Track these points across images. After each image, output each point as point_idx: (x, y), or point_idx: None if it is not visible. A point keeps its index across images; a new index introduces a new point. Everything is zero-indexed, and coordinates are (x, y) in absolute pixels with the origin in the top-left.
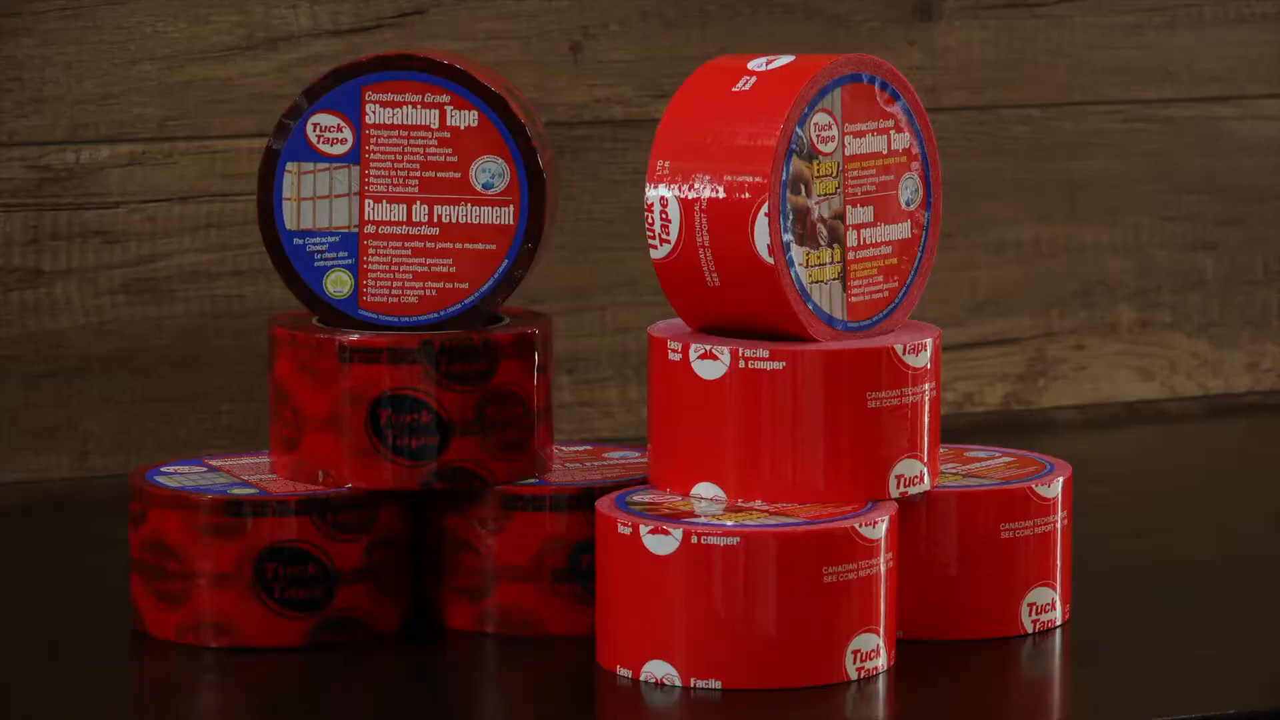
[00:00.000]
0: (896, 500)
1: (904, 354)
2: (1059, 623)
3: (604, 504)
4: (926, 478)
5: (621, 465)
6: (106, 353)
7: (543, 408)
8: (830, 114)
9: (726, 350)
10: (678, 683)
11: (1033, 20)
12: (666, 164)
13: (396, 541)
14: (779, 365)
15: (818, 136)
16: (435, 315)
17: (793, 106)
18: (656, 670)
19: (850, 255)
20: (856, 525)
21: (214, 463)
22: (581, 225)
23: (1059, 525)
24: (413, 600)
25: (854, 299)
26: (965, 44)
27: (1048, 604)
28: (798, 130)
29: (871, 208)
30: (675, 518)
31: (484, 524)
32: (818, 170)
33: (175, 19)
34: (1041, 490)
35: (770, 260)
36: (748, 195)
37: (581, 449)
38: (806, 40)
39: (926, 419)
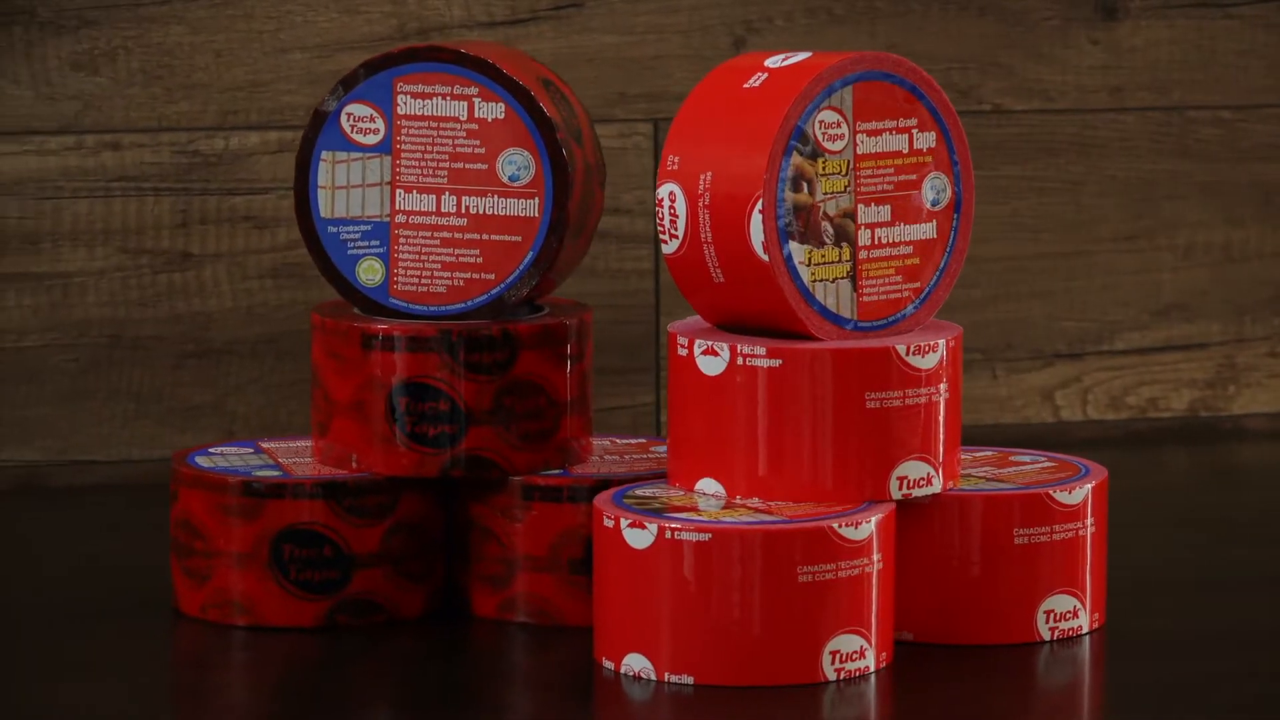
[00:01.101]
0: (898, 502)
1: (908, 355)
2: (1084, 631)
3: (601, 498)
4: (936, 480)
5: (658, 459)
6: (253, 335)
7: (573, 399)
8: (839, 112)
9: (726, 346)
10: (653, 676)
11: (1225, 20)
12: (676, 159)
13: (420, 527)
14: (775, 363)
15: (824, 134)
16: (462, 305)
17: (792, 104)
18: (635, 664)
19: (862, 255)
20: (835, 525)
21: (266, 445)
22: None
23: (1087, 532)
24: (442, 586)
25: (866, 298)
26: (1152, 43)
27: (1068, 611)
28: (800, 127)
29: (888, 207)
30: (665, 512)
31: (506, 513)
32: (823, 168)
33: (326, 8)
34: (1061, 496)
35: (765, 257)
36: (743, 192)
37: (634, 441)
38: (982, 37)
39: (941, 420)
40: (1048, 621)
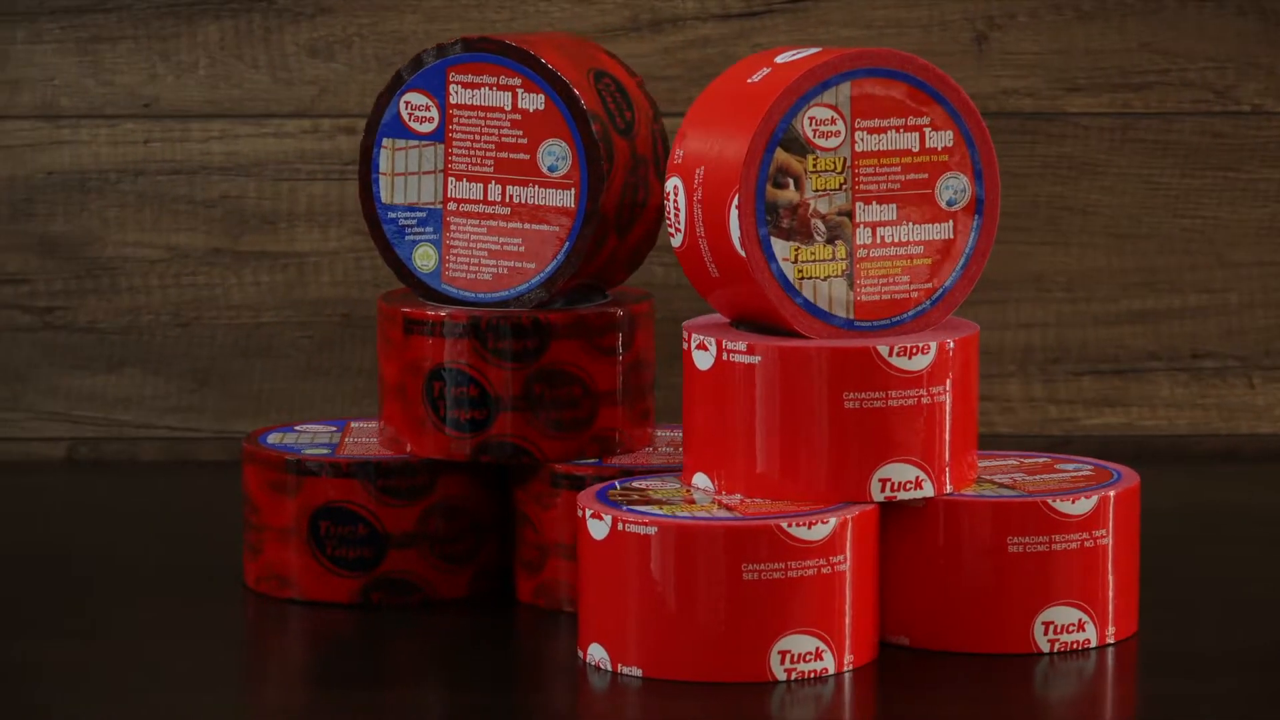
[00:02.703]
0: (882, 504)
1: (891, 356)
2: (1094, 645)
3: (591, 489)
4: (928, 484)
5: None
6: None
7: (619, 390)
8: (834, 109)
9: (713, 341)
10: (608, 667)
11: None
12: (681, 153)
13: (462, 510)
14: (755, 359)
15: (814, 131)
16: (506, 293)
17: (775, 100)
18: (595, 654)
19: (860, 253)
20: (785, 525)
21: (355, 424)
22: None
23: (1101, 543)
24: (491, 569)
25: (864, 298)
26: None
27: (1072, 624)
28: (784, 123)
29: (894, 206)
30: (630, 505)
31: (539, 500)
32: (814, 165)
33: None
34: (1062, 506)
35: (742, 253)
36: (725, 186)
37: None
38: (1240, 36)
39: (945, 424)
40: (1047, 633)
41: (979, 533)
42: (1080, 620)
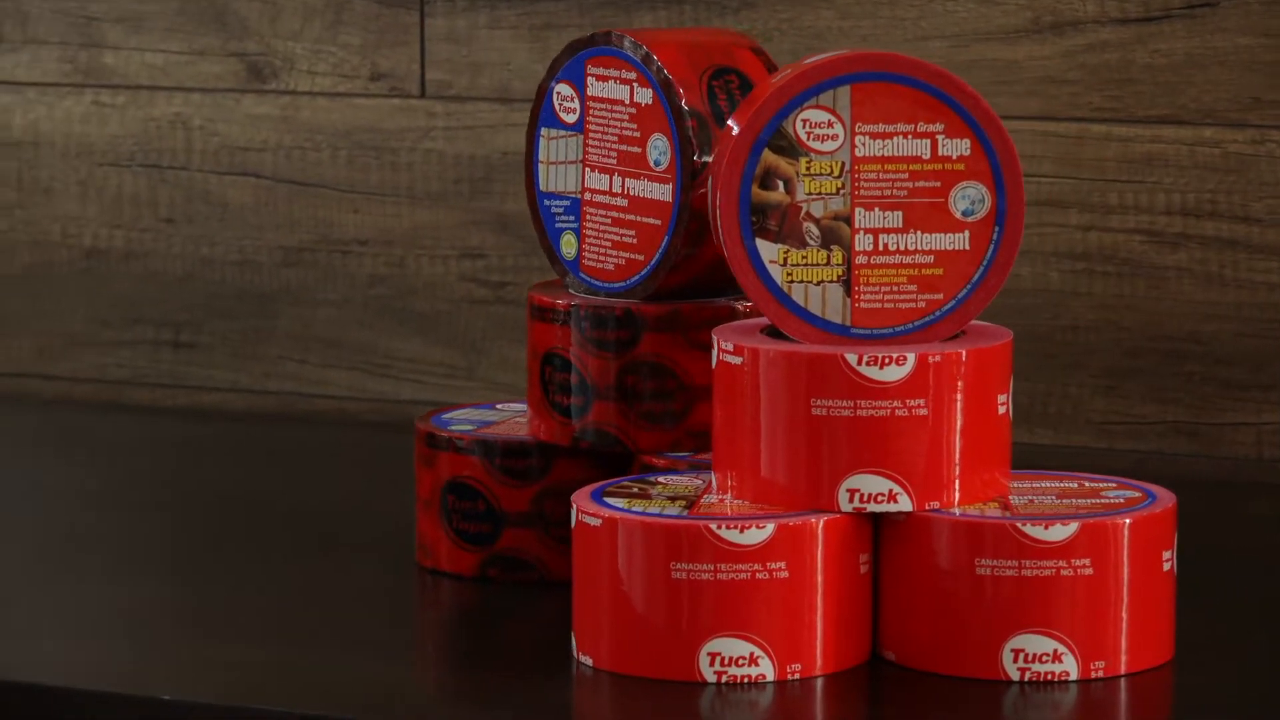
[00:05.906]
0: (849, 514)
1: (860, 364)
2: (1071, 678)
3: (604, 483)
4: (904, 498)
5: None
6: None
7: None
8: (831, 111)
9: (716, 340)
10: (575, 655)
11: None
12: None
13: None
14: (738, 360)
15: (808, 133)
16: (623, 284)
17: (764, 101)
18: (572, 642)
19: (860, 259)
20: (713, 527)
21: None
22: None
23: (1080, 572)
24: None
25: (864, 305)
26: None
27: (1045, 654)
28: (773, 125)
29: (900, 213)
30: (624, 497)
31: None
32: (807, 167)
33: None
34: (1032, 530)
35: (725, 254)
36: (714, 187)
37: None
38: None
39: (935, 436)
40: (1016, 661)
41: (948, 552)
42: (1056, 650)
